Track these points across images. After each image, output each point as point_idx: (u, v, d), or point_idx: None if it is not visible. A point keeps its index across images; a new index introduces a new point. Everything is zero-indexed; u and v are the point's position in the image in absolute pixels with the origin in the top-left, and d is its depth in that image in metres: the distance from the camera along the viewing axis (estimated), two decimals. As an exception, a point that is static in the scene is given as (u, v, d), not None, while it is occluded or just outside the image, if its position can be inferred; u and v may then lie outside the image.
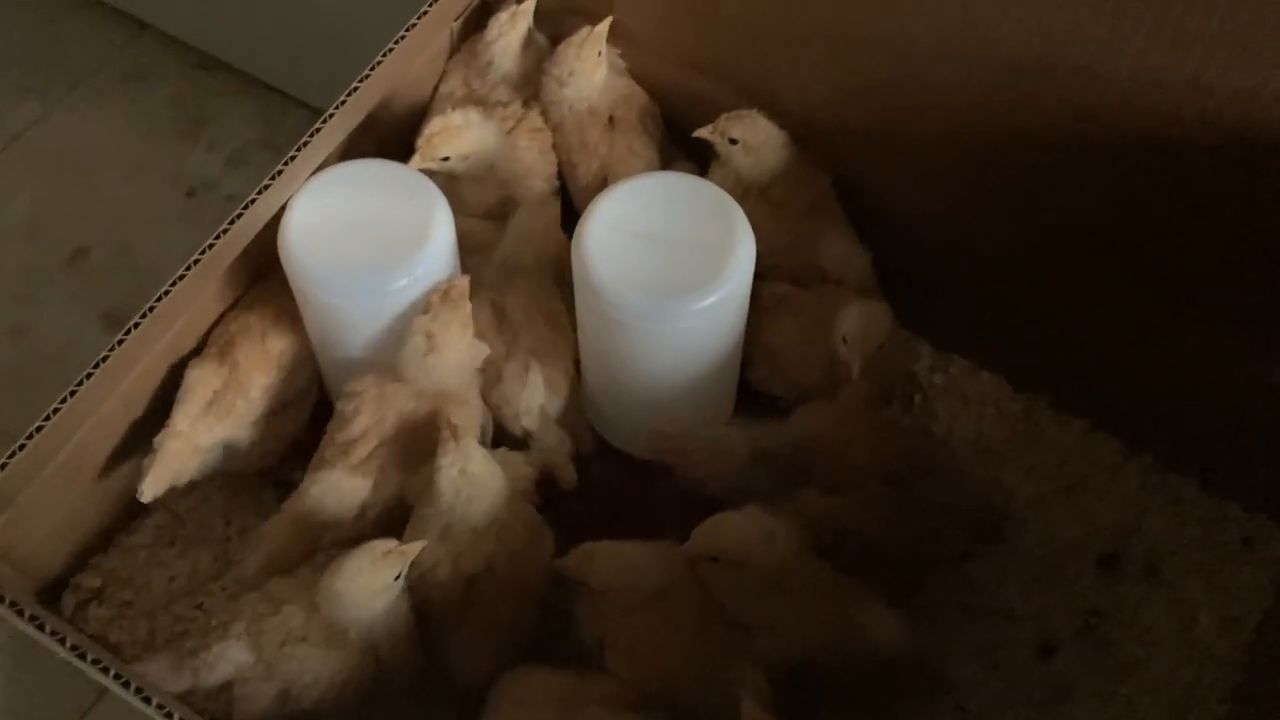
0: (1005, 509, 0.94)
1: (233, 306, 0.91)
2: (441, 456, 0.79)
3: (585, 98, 1.00)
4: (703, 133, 0.96)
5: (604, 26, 0.98)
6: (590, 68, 0.98)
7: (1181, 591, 0.94)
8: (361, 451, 0.85)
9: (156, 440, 0.86)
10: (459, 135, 0.94)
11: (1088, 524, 0.97)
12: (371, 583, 0.77)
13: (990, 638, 0.93)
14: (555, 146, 1.02)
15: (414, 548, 0.78)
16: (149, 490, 0.85)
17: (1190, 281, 0.88)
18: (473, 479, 0.80)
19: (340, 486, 0.85)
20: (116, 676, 0.67)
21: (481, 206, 0.99)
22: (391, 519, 0.85)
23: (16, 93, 1.58)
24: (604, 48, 0.99)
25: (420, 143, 0.93)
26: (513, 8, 1.01)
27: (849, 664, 0.80)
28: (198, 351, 0.89)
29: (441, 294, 0.84)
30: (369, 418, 0.85)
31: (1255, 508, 0.97)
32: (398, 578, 0.78)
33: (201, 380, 0.87)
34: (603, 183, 0.98)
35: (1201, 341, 0.90)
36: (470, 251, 0.92)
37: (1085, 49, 0.79)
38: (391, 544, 0.78)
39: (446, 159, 0.94)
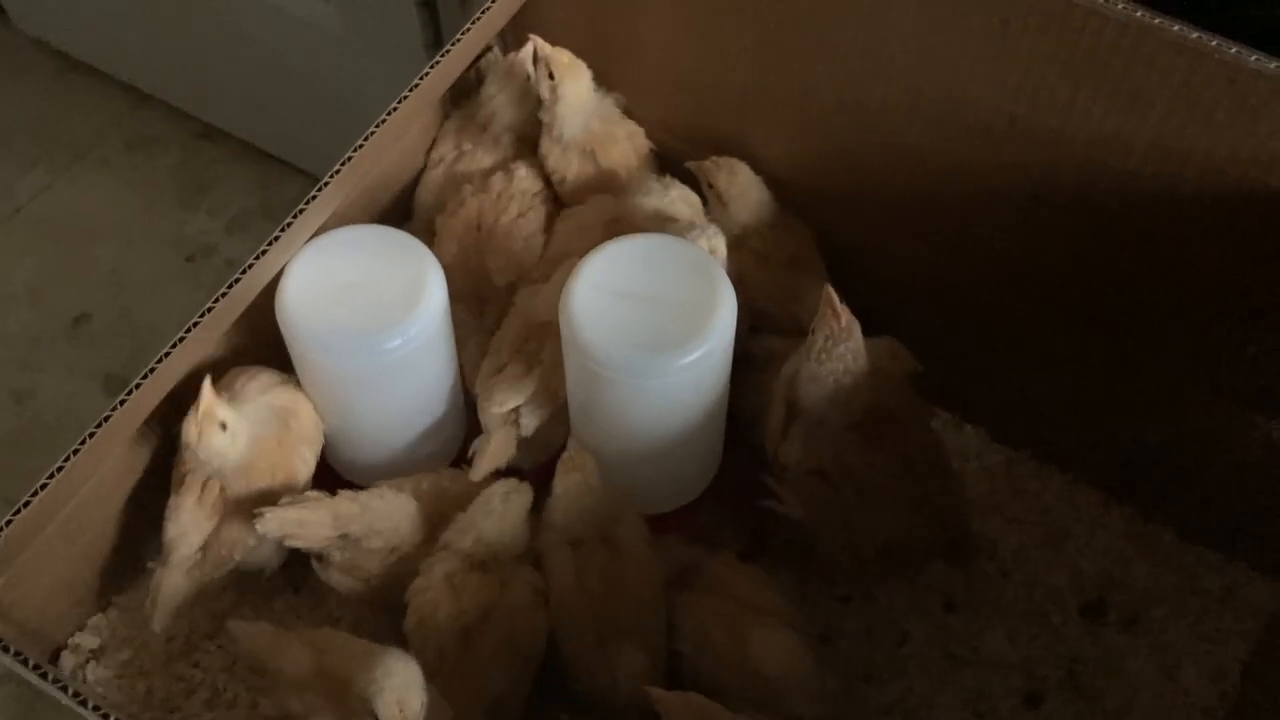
0: (975, 538, 0.96)
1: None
2: (499, 488, 0.84)
3: (580, 130, 1.01)
4: (692, 165, 0.99)
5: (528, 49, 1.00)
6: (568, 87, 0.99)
7: (1164, 639, 0.96)
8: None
9: (152, 584, 0.89)
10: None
11: (1070, 573, 0.99)
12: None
13: (976, 687, 0.94)
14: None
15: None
16: (159, 624, 0.89)
17: (1161, 335, 0.90)
18: (507, 514, 0.83)
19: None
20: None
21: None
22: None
23: (22, 163, 1.62)
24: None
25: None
26: (509, 58, 1.03)
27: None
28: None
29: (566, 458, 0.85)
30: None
31: (1234, 556, 0.99)
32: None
33: (186, 533, 0.88)
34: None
35: (1176, 393, 0.93)
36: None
37: (1049, 112, 0.82)
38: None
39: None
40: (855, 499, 0.87)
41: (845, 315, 0.82)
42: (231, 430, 0.85)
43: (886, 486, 0.87)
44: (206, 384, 0.84)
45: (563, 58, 0.99)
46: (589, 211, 0.99)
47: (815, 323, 0.83)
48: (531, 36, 0.99)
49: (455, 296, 0.93)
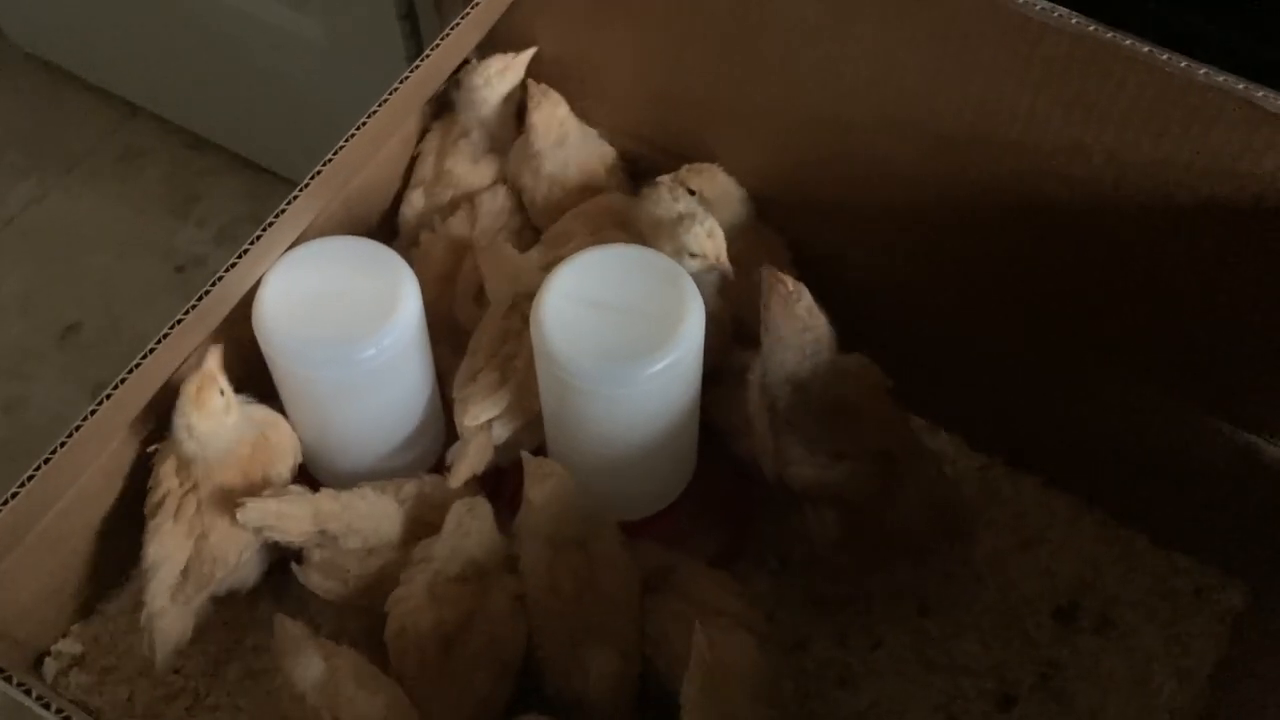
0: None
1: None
2: (460, 509, 0.85)
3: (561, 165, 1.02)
4: (664, 180, 1.00)
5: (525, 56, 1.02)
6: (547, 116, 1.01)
7: (1137, 642, 0.97)
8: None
9: (143, 617, 0.89)
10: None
11: (1044, 577, 1.00)
12: None
13: (950, 690, 0.95)
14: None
15: None
16: (161, 663, 0.90)
17: (1128, 343, 0.91)
18: (482, 529, 0.85)
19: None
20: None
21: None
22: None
23: (14, 174, 1.63)
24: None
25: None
26: (508, 57, 1.04)
27: None
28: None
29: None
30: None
31: (1206, 559, 0.99)
32: None
33: (169, 556, 0.89)
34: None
35: (1146, 400, 0.93)
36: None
37: (1010, 123, 0.83)
38: None
39: None
40: (870, 507, 0.88)
41: (790, 280, 0.84)
42: (227, 401, 0.87)
43: (872, 484, 0.88)
44: (212, 351, 0.86)
45: (536, 88, 1.01)
46: (598, 204, 1.00)
47: (765, 296, 0.85)
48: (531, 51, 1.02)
49: (437, 340, 0.95)
